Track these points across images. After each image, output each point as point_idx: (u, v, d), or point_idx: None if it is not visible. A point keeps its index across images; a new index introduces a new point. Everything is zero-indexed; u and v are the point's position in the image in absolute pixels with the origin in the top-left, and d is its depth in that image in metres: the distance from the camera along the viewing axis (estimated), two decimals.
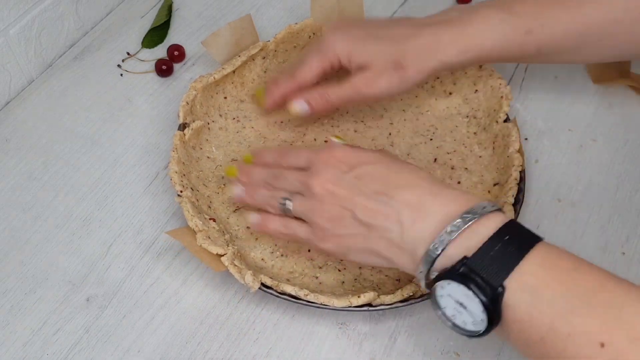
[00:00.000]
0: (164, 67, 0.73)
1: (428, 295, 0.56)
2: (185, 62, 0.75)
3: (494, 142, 0.65)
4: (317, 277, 0.59)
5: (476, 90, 0.68)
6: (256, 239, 0.60)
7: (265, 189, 0.57)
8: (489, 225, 0.45)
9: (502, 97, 0.66)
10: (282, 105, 0.64)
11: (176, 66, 0.75)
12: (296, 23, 0.71)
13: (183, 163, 0.62)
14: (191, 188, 0.61)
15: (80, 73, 0.74)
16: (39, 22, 0.71)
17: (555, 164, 0.67)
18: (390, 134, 0.67)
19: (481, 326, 0.44)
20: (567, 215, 0.63)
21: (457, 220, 0.45)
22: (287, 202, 0.55)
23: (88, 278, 0.59)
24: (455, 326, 0.46)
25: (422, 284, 0.48)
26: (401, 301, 0.55)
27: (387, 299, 0.55)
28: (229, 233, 0.60)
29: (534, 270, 0.42)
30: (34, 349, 0.56)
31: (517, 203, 0.59)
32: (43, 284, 0.59)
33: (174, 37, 0.78)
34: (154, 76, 0.74)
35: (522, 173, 0.61)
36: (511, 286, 0.42)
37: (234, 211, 0.62)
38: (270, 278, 0.55)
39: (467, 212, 0.45)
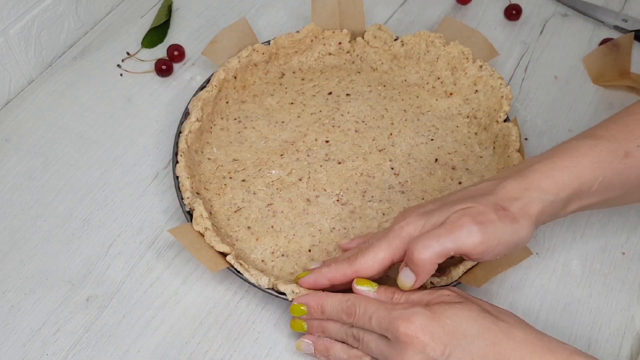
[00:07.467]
0: (163, 67, 0.73)
1: None
2: (185, 62, 0.75)
3: (494, 142, 0.65)
4: None
5: (476, 91, 0.68)
6: (257, 239, 0.60)
7: (340, 346, 0.52)
8: None
9: (502, 96, 0.66)
10: (324, 287, 0.53)
11: (176, 66, 0.75)
12: (298, 31, 0.71)
13: (189, 167, 0.62)
14: (197, 192, 0.61)
15: (80, 73, 0.74)
16: (39, 22, 0.71)
17: None
18: (391, 134, 0.67)
19: None
20: None
21: None
22: None
23: (88, 278, 0.59)
24: None
25: None
26: None
27: None
28: (229, 236, 0.60)
29: None
30: (34, 349, 0.55)
31: None
32: (43, 284, 0.59)
33: (173, 37, 0.78)
34: (153, 76, 0.74)
35: None
36: None
37: (235, 212, 0.62)
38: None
39: None
